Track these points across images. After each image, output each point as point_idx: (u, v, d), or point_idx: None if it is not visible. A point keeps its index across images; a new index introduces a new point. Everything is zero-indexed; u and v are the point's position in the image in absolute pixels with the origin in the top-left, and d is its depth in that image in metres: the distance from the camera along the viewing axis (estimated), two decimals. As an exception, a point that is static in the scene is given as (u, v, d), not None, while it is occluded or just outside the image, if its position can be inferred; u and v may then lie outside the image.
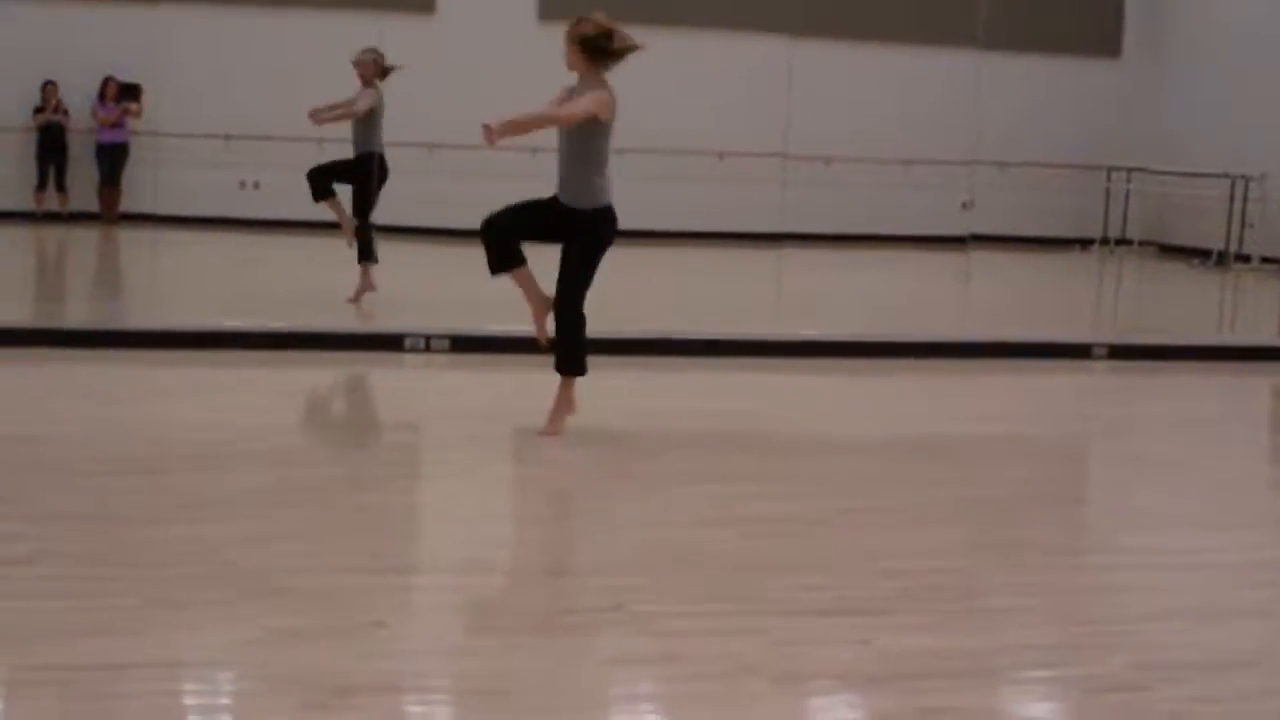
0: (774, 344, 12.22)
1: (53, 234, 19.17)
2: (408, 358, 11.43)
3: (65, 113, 20.23)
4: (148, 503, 7.05)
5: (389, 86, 19.99)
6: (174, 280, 15.78)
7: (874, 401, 10.89)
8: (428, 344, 11.56)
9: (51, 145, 20.20)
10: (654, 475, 8.10)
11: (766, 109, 21.07)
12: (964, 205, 21.85)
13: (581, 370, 8.85)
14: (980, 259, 20.64)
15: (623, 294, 13.58)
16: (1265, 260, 20.66)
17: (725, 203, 20.90)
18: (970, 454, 9.14)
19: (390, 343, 11.56)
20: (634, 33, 8.82)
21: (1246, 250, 20.73)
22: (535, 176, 20.82)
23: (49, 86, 20.16)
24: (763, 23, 21.28)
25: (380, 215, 20.00)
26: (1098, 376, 12.23)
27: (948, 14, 22.01)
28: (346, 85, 19.96)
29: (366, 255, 13.74)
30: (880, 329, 13.03)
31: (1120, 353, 12.71)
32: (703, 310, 14.21)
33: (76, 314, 13.80)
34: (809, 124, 21.23)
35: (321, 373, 10.87)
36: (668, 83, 20.91)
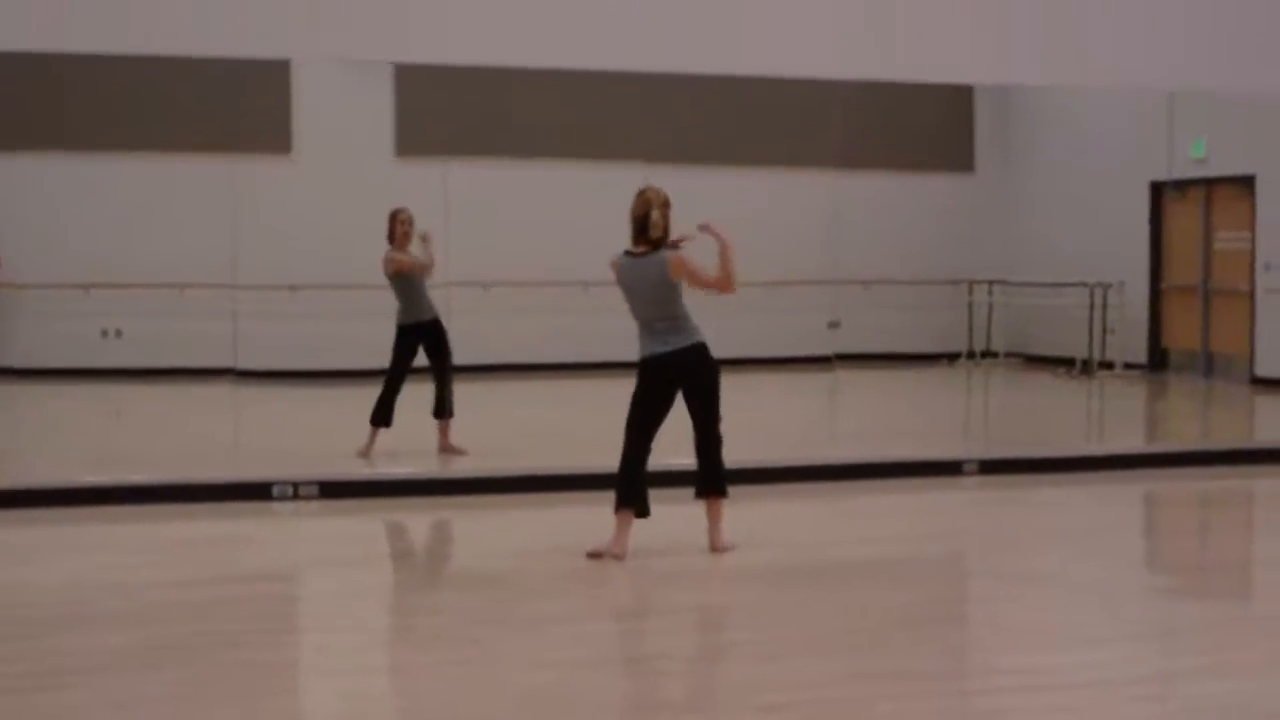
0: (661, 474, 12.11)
1: (-93, 392, 18.76)
2: (276, 506, 11.24)
3: (-80, 268, 19.89)
4: (4, 670, 6.83)
5: (248, 226, 19.94)
6: (32, 436, 15.47)
7: (748, 528, 10.81)
8: (296, 491, 11.38)
9: (-96, 301, 19.84)
10: (529, 616, 7.98)
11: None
12: (830, 325, 22.06)
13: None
14: (847, 377, 20.80)
15: (490, 427, 13.49)
16: (1129, 366, 20.94)
17: (586, 332, 20.89)
18: (847, 578, 9.09)
19: (257, 491, 11.37)
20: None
21: (1109, 357, 21.00)
22: (383, 313, 20.80)
23: (-96, 243, 19.81)
24: (619, 150, 21.42)
25: (246, 359, 19.89)
26: (970, 491, 12.26)
27: (803, 136, 22.31)
28: (207, 230, 19.90)
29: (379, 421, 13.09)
30: (750, 454, 13.01)
31: (991, 467, 12.76)
32: (561, 442, 14.09)
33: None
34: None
35: (187, 525, 10.64)
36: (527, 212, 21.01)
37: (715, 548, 9.58)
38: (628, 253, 9.45)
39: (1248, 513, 12.34)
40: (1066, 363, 21.29)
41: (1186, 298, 20.92)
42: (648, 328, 9.37)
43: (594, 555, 9.32)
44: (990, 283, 22.80)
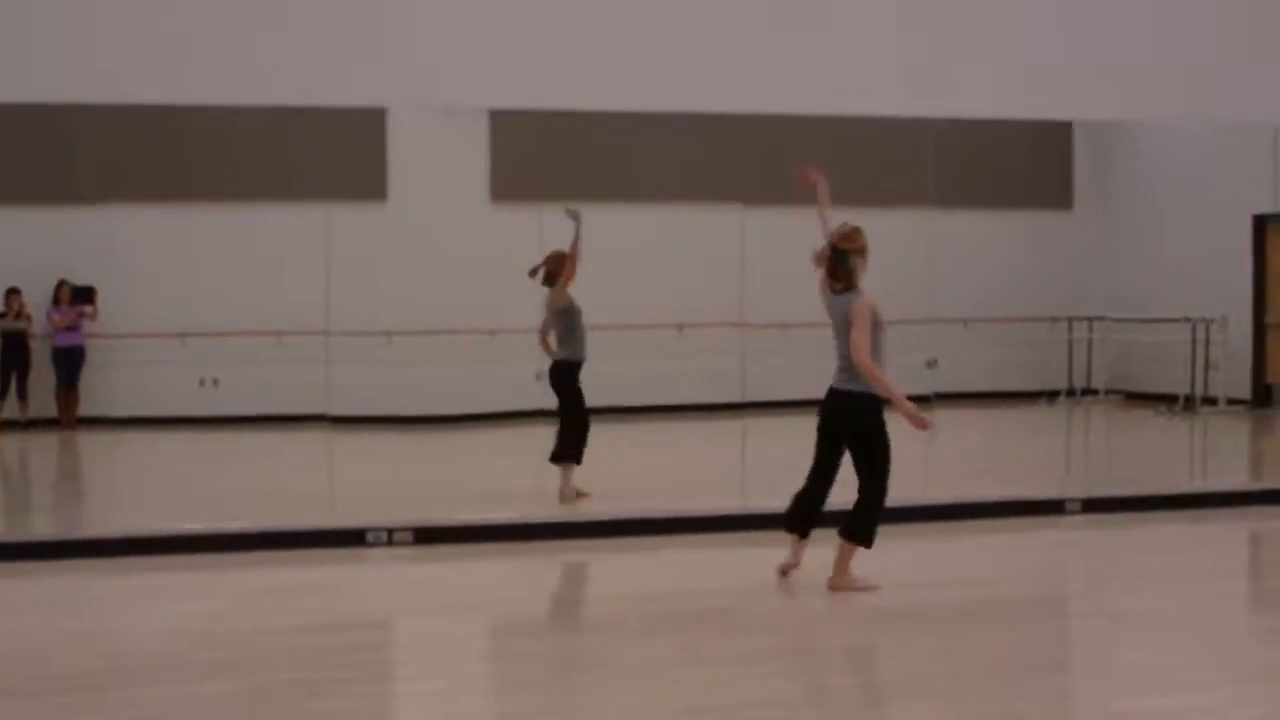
0: (743, 517, 12.02)
1: (12, 442, 18.90)
2: (370, 552, 11.18)
3: (28, 318, 20.07)
4: (98, 722, 6.79)
5: (342, 273, 20.01)
6: (131, 484, 15.54)
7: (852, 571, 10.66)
8: (390, 537, 11.32)
9: (14, 352, 20.00)
10: (626, 663, 7.86)
11: (721, 279, 21.09)
12: (928, 364, 21.84)
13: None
14: (947, 416, 20.55)
15: (589, 471, 13.41)
16: (1232, 402, 20.60)
17: (679, 372, 20.82)
18: (952, 620, 8.92)
19: (351, 538, 11.32)
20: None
21: (1212, 393, 20.68)
22: (493, 360, 20.74)
23: (11, 294, 19.98)
24: (714, 192, 21.38)
25: (336, 405, 19.93)
26: (1073, 531, 12.03)
27: (899, 174, 22.16)
28: (302, 277, 19.97)
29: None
30: (848, 495, 12.86)
31: (1094, 506, 12.54)
32: (661, 485, 13.97)
33: (36, 524, 13.53)
34: (766, 293, 21.25)
35: (281, 573, 10.60)
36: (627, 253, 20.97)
37: (831, 586, 9.53)
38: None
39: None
40: (1168, 399, 20.97)
41: (1291, 332, 20.60)
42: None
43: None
44: (1090, 319, 22.53)
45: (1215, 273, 21.22)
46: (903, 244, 22.07)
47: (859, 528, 9.59)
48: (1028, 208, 22.98)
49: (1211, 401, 20.58)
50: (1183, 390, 20.76)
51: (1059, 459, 17.05)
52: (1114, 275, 22.98)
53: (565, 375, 13.09)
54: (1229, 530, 12.25)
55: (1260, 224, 20.88)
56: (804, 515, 9.76)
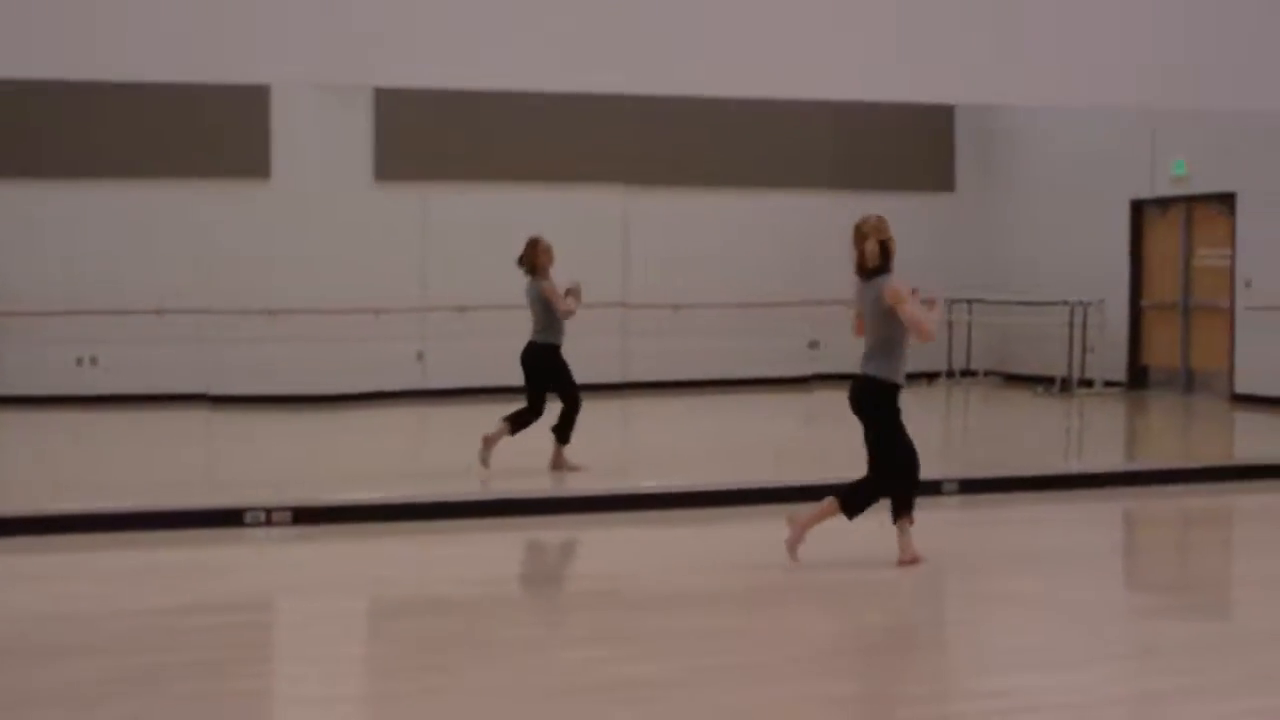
0: (621, 498, 12.02)
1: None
2: (248, 532, 11.07)
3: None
4: (-34, 706, 6.67)
5: (224, 251, 19.79)
6: (2, 464, 15.29)
7: (727, 551, 10.70)
8: (269, 517, 11.22)
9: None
10: (501, 644, 7.84)
11: (604, 259, 21.05)
12: (810, 345, 21.95)
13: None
14: (828, 398, 20.65)
15: (469, 449, 13.36)
16: (1108, 384, 20.85)
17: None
18: (826, 601, 8.97)
19: (229, 518, 11.20)
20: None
21: (1089, 375, 20.91)
22: (377, 339, 20.58)
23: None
24: (599, 173, 21.33)
25: (217, 384, 19.70)
26: (949, 512, 12.12)
27: (782, 157, 22.23)
28: (184, 255, 19.74)
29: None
30: (727, 475, 12.90)
31: (971, 486, 12.64)
32: (538, 466, 13.93)
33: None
34: (651, 273, 21.27)
35: (153, 553, 10.46)
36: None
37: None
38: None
39: (1227, 531, 12.24)
40: (1046, 381, 21.19)
41: (1166, 315, 20.84)
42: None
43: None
44: (970, 301, 22.70)
45: (1094, 256, 21.46)
46: (784, 225, 22.18)
47: (850, 497, 9.80)
48: (910, 190, 23.10)
49: (1088, 383, 20.81)
50: (1060, 372, 20.98)
51: (937, 440, 17.18)
52: (994, 258, 23.17)
53: (549, 358, 13.30)
54: (1104, 510, 12.39)
55: (1138, 209, 21.14)
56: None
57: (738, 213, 21.84)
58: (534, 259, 13.44)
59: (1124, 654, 7.78)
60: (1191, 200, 20.39)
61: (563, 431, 13.27)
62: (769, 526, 10.55)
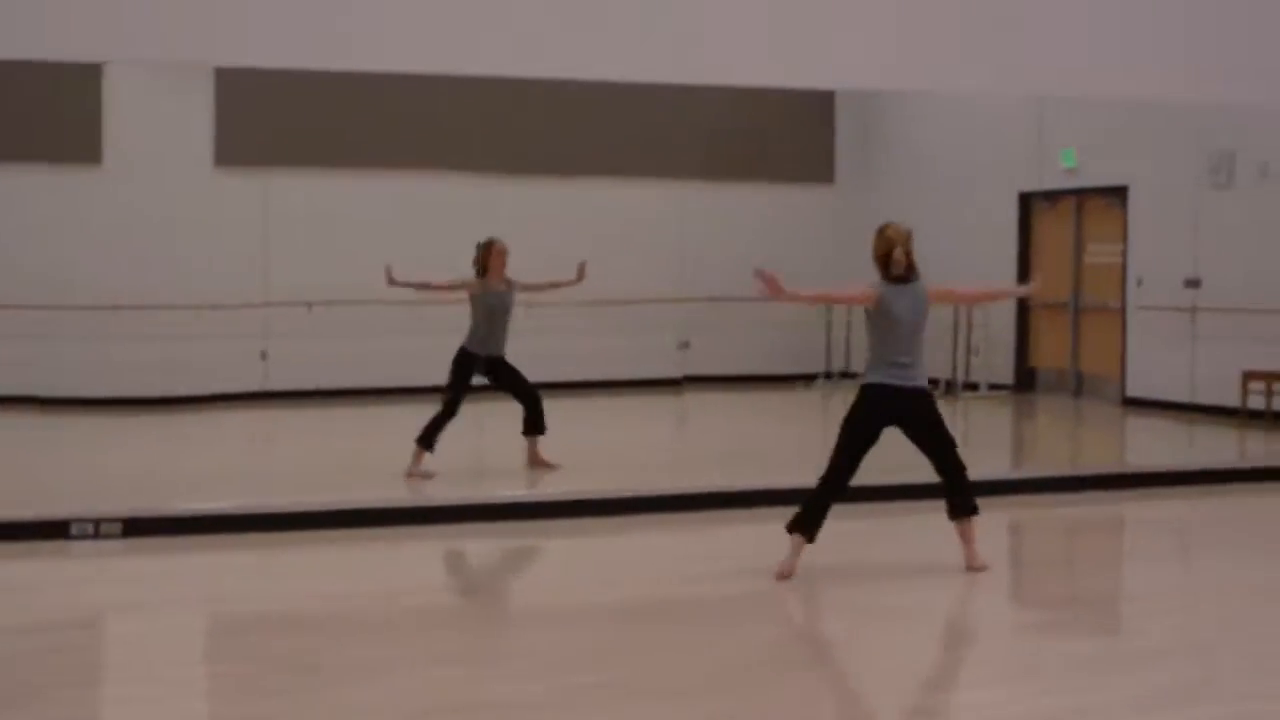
0: (478, 507, 11.99)
1: None
2: (74, 545, 10.92)
3: None
4: None
5: (53, 242, 19.48)
6: None
7: (596, 563, 10.70)
8: (96, 529, 11.06)
9: None
10: (359, 663, 7.78)
11: (458, 252, 20.90)
12: (680, 345, 22.00)
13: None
14: (698, 401, 20.73)
15: (314, 455, 13.25)
16: (994, 387, 21.08)
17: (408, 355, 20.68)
18: (705, 615, 8.99)
19: (53, 530, 11.03)
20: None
21: (974, 378, 21.13)
22: (216, 336, 20.36)
23: None
24: (455, 161, 21.23)
25: (46, 386, 19.39)
26: (829, 522, 12.15)
27: (654, 145, 22.24)
28: (8, 244, 19.39)
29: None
30: (594, 483, 12.90)
31: (850, 495, 12.66)
32: (380, 473, 13.85)
33: None
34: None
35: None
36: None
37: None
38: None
39: (1118, 541, 12.42)
40: (932, 384, 21.35)
41: (1055, 315, 21.11)
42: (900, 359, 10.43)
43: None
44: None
45: (980, 252, 21.67)
46: (656, 218, 22.21)
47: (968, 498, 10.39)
48: (787, 181, 23.23)
49: (973, 386, 21.03)
50: (944, 375, 21.18)
51: (815, 446, 17.25)
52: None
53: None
54: (989, 520, 12.41)
55: (1026, 201, 21.38)
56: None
57: (600, 203, 21.83)
58: (486, 260, 13.74)
59: (1009, 674, 7.85)
60: (1082, 193, 20.67)
61: (427, 438, 13.37)
62: (651, 537, 10.59)
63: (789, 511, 12.06)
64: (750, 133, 22.76)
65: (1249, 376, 17.69)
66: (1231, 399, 17.83)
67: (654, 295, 22.03)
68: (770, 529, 11.57)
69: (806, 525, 10.10)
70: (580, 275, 14.16)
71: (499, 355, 13.73)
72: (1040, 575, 10.98)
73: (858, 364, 22.79)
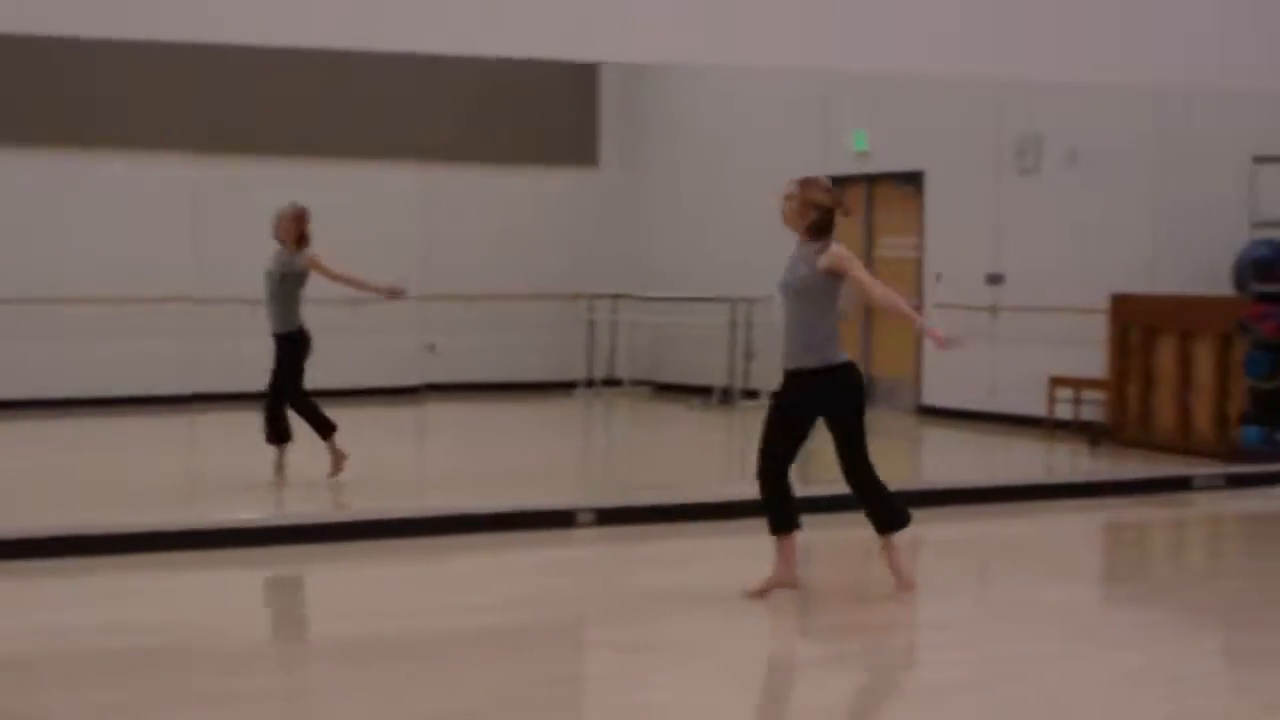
0: (187, 534, 11.70)
1: None
2: None
3: None
4: None
5: None
6: None
7: (321, 593, 10.50)
8: None
9: None
10: (61, 706, 7.53)
11: (169, 243, 20.49)
12: (428, 348, 21.73)
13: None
14: (442, 411, 20.55)
15: None
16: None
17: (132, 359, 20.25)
18: (442, 652, 8.84)
19: None
20: None
21: (753, 384, 21.18)
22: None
23: None
24: (165, 138, 20.84)
25: None
26: (586, 546, 12.10)
27: (396, 123, 22.00)
28: None
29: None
30: (316, 506, 12.73)
31: (611, 516, 12.63)
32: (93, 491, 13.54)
33: None
34: (223, 260, 20.75)
35: None
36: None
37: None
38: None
39: (912, 564, 12.46)
40: (703, 391, 21.41)
41: (843, 314, 21.23)
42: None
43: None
44: (614, 297, 22.82)
45: (759, 246, 21.70)
46: (395, 204, 21.97)
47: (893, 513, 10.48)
48: (543, 165, 23.14)
49: (752, 394, 21.09)
50: (720, 381, 21.22)
51: (573, 461, 17.22)
52: (644, 246, 23.32)
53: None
54: (765, 544, 12.47)
55: (810, 188, 21.47)
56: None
57: (332, 187, 21.48)
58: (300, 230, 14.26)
59: (783, 713, 7.81)
60: (874, 180, 20.84)
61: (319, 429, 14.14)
62: (387, 565, 10.43)
63: (542, 536, 12.00)
64: (503, 111, 22.64)
65: (1056, 382, 17.95)
66: (1037, 407, 18.07)
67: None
68: (521, 557, 11.47)
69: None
70: (390, 295, 14.79)
71: (273, 332, 14.25)
72: (820, 604, 10.97)
73: (623, 370, 22.81)
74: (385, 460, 16.25)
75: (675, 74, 22.65)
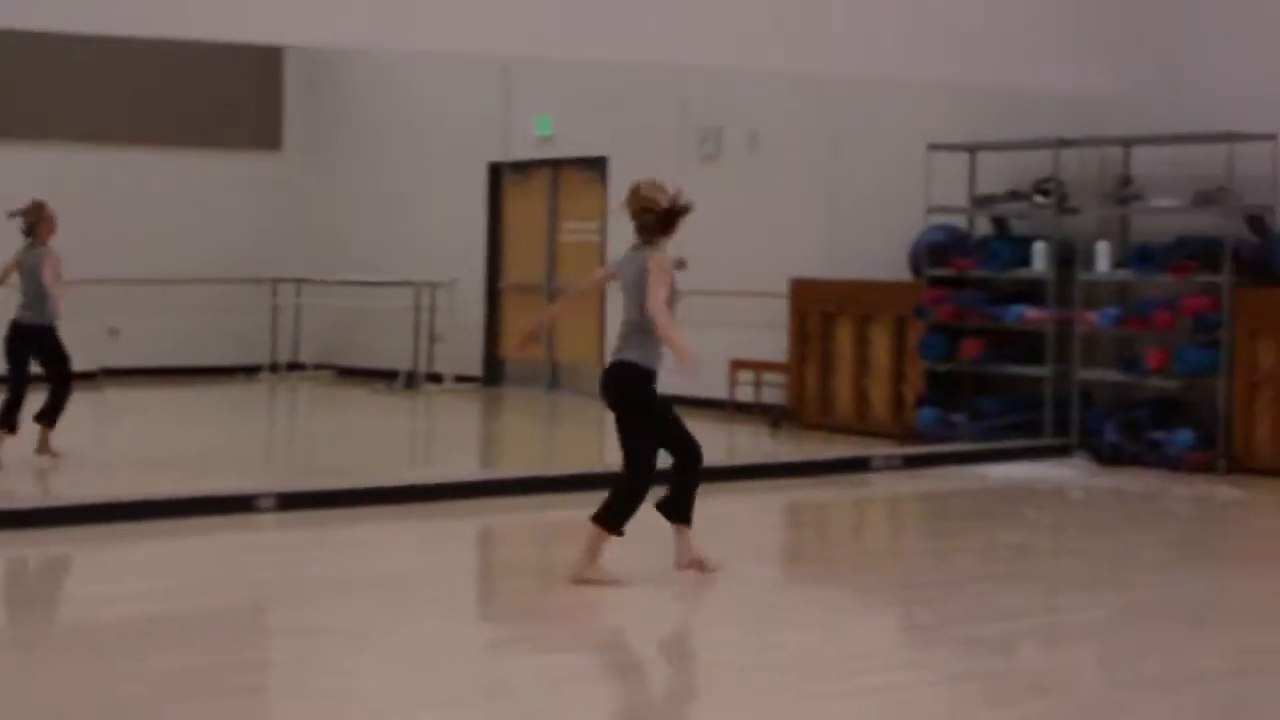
0: None
1: None
2: None
3: None
4: None
5: None
6: None
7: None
8: None
9: None
10: None
11: None
12: (110, 332, 21.24)
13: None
14: (123, 397, 20.14)
15: None
16: (461, 379, 21.08)
17: None
18: (114, 641, 8.64)
19: None
20: None
21: (438, 368, 21.10)
22: None
23: None
24: None
25: None
26: (266, 533, 11.93)
27: (72, 107, 21.49)
28: None
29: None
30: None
31: (292, 502, 12.45)
32: None
33: None
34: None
35: None
36: None
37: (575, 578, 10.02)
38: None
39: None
40: (388, 376, 21.27)
41: (529, 298, 21.21)
42: None
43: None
44: (298, 281, 22.57)
45: (445, 229, 21.67)
46: (74, 189, 21.45)
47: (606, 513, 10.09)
48: (224, 148, 22.79)
49: (437, 378, 21.01)
50: (405, 366, 21.10)
51: (255, 447, 17.00)
52: (327, 230, 23.12)
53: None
54: (455, 527, 12.44)
55: (496, 173, 21.44)
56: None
57: (7, 170, 20.90)
58: (37, 223, 14.37)
59: (467, 696, 7.74)
60: (558, 164, 20.84)
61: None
62: (56, 552, 10.15)
63: (222, 522, 11.81)
64: (186, 93, 22.27)
65: (736, 366, 18.11)
66: (720, 390, 18.20)
67: (73, 276, 21.25)
68: (200, 543, 11.29)
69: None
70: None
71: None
72: (512, 585, 10.93)
73: (307, 354, 22.57)
74: (61, 447, 15.89)
75: (360, 58, 22.44)
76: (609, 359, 10.41)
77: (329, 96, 23.39)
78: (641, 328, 10.17)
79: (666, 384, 10.16)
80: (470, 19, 13.52)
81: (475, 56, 18.83)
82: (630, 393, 10.18)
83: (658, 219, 10.38)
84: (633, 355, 10.17)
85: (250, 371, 22.35)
